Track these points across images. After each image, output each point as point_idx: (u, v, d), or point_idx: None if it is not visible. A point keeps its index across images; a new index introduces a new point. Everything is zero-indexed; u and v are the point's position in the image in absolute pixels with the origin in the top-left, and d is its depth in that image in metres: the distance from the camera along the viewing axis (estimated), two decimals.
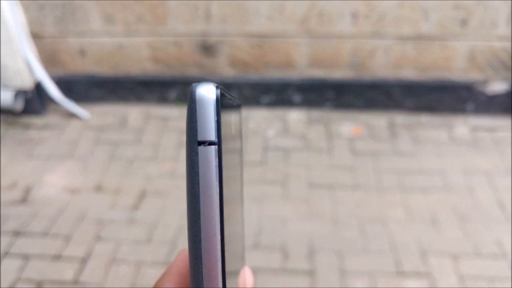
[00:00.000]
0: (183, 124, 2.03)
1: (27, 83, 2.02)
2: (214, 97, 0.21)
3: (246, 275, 0.35)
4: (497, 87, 1.99)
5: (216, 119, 0.21)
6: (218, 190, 0.21)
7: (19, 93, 2.03)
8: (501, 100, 2.01)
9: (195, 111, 0.21)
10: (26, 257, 1.49)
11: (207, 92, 0.21)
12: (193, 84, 0.22)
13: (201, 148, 0.21)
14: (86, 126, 2.05)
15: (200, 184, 0.21)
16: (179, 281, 0.28)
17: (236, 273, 0.29)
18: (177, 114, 2.10)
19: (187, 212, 0.22)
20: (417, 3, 1.81)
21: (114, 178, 1.78)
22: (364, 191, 1.71)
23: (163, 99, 2.15)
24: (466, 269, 1.43)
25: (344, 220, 1.60)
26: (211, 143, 0.21)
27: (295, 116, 2.07)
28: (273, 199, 1.68)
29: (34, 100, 2.07)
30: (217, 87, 0.22)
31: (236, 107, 0.30)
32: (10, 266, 1.46)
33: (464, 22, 1.83)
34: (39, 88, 2.06)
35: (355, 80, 2.03)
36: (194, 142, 0.21)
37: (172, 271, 0.29)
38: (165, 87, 2.12)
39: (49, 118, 2.09)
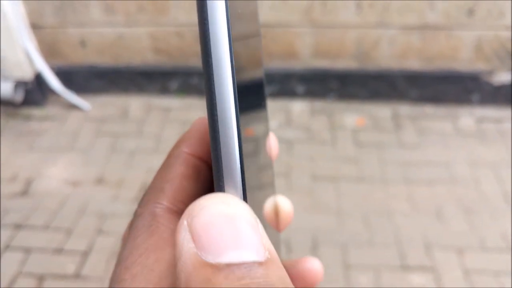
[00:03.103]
0: (185, 115, 2.01)
1: (27, 74, 2.00)
2: None
3: (272, 141, 0.32)
4: (504, 77, 1.96)
5: None
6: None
7: (19, 84, 2.00)
8: (507, 91, 1.98)
9: None
10: (27, 251, 1.48)
11: None
12: None
13: None
14: (87, 117, 2.03)
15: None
16: (197, 143, 0.26)
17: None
18: (179, 105, 2.07)
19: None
20: None
21: (116, 171, 1.77)
22: (368, 183, 1.69)
23: (164, 90, 2.12)
24: (471, 263, 1.42)
25: (348, 213, 1.58)
26: None
27: (298, 107, 2.04)
28: (276, 191, 1.66)
29: (34, 91, 2.05)
30: None
31: None
32: (11, 259, 1.45)
33: (471, 12, 1.80)
34: (39, 79, 2.04)
35: (359, 70, 2.01)
36: None
37: (190, 135, 0.27)
38: (167, 78, 2.10)
39: (50, 110, 2.07)
